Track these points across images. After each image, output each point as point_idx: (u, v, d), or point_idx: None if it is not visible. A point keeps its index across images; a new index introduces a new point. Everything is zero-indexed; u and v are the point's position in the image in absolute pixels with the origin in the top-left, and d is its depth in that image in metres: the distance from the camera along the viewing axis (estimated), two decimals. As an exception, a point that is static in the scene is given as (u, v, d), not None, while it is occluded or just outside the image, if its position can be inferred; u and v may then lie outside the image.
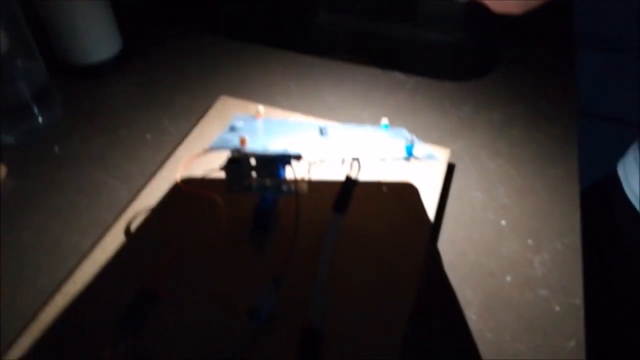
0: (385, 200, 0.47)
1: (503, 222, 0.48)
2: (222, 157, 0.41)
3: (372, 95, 0.62)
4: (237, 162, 0.41)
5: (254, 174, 0.42)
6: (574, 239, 0.47)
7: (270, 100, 0.61)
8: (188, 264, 0.42)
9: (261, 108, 0.45)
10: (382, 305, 0.39)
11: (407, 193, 0.48)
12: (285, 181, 0.42)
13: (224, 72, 0.66)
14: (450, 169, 0.53)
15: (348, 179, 0.44)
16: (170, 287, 0.40)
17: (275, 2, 0.92)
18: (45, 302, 0.39)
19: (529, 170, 0.53)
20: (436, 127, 0.58)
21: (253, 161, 0.42)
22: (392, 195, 0.48)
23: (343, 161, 0.43)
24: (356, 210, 0.45)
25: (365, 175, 0.49)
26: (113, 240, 0.43)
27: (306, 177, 0.43)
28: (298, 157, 0.43)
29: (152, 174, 0.49)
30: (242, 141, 0.41)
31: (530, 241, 0.47)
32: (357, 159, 0.43)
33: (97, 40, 0.63)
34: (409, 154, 0.44)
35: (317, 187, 0.47)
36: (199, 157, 0.50)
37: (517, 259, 0.45)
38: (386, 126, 0.47)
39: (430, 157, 0.45)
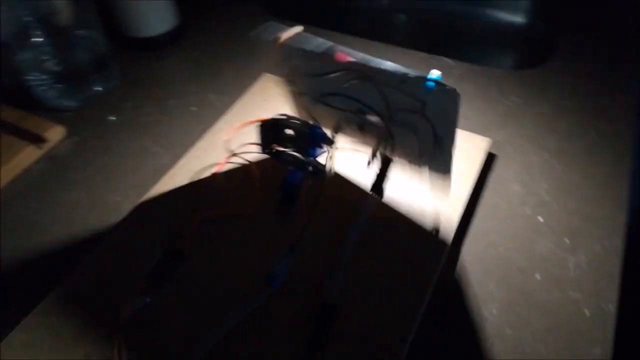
0: (417, 186, 0.47)
1: (540, 219, 0.46)
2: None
3: (419, 80, 0.61)
4: (273, 125, 0.42)
5: (288, 145, 0.43)
6: (616, 242, 0.44)
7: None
8: (217, 229, 0.43)
9: (269, 98, 0.45)
10: (399, 288, 0.39)
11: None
12: (312, 162, 0.43)
13: (266, 49, 0.66)
14: (491, 159, 0.52)
15: (386, 161, 0.43)
16: (198, 249, 0.42)
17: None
18: (87, 252, 0.42)
19: (576, 167, 0.51)
20: (481, 116, 0.56)
21: (289, 131, 0.42)
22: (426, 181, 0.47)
23: (377, 144, 0.43)
24: (390, 191, 0.45)
25: (402, 160, 0.48)
26: (150, 202, 0.46)
27: (335, 159, 0.43)
28: (330, 142, 0.43)
29: (192, 144, 0.51)
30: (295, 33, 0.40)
31: (567, 240, 0.45)
32: (392, 138, 0.42)
33: (156, 15, 0.66)
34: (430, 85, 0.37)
35: (346, 168, 0.47)
36: (242, 129, 0.51)
37: (550, 258, 0.43)
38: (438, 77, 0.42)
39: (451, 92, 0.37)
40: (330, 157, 0.42)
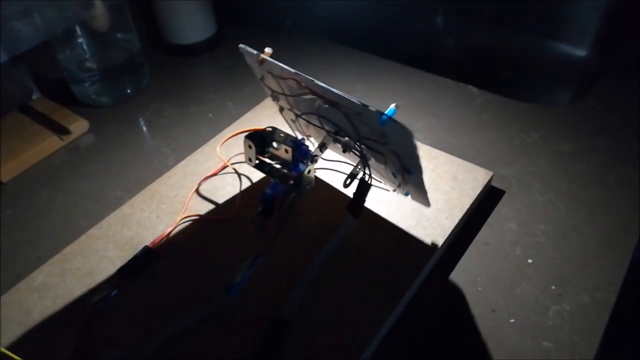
0: (399, 211, 0.46)
1: (529, 261, 0.44)
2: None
3: (437, 106, 0.60)
4: (259, 138, 0.42)
5: (273, 158, 0.43)
6: (607, 297, 0.41)
7: (331, 97, 0.62)
8: (196, 232, 0.45)
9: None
10: (359, 312, 0.38)
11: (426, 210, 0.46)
12: (294, 176, 0.43)
13: (298, 65, 0.68)
14: (495, 193, 0.49)
15: (362, 183, 0.43)
16: (174, 250, 0.43)
17: (383, 6, 0.92)
18: (72, 240, 0.45)
19: (581, 213, 0.47)
20: (493, 148, 0.54)
21: (275, 145, 0.43)
22: (409, 207, 0.46)
23: (357, 165, 0.43)
24: (368, 213, 0.45)
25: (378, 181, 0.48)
26: (142, 200, 0.48)
27: (313, 175, 0.43)
28: (315, 160, 0.43)
29: (195, 149, 0.53)
30: (266, 54, 0.42)
31: (554, 287, 0.42)
32: (367, 162, 0.42)
33: (193, 24, 0.69)
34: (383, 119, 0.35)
35: (326, 187, 0.47)
36: (236, 137, 0.53)
37: (530, 303, 0.41)
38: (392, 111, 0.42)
39: (404, 131, 0.35)
40: (308, 172, 0.43)
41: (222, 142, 0.53)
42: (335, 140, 0.42)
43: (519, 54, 0.92)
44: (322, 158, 0.44)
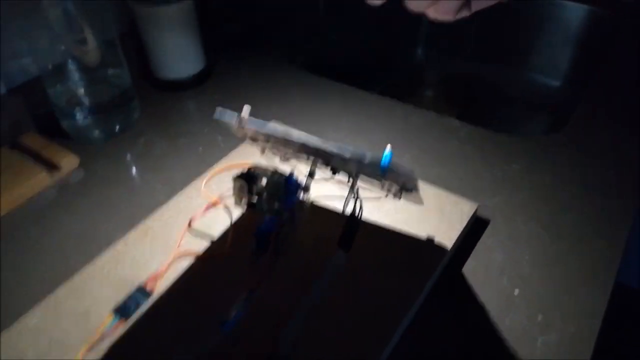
0: (391, 244, 0.47)
1: (516, 291, 0.45)
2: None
3: (421, 139, 0.62)
4: (249, 177, 0.43)
5: (264, 194, 0.44)
6: (592, 324, 0.42)
7: (318, 131, 0.63)
8: (190, 269, 0.45)
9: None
10: (354, 345, 0.39)
11: (418, 244, 0.47)
12: (289, 209, 0.44)
13: (285, 99, 0.69)
14: (480, 224, 0.51)
15: (352, 217, 0.44)
16: (168, 286, 0.44)
17: (365, 39, 0.95)
18: (66, 279, 0.45)
19: (564, 242, 0.49)
20: (477, 180, 0.56)
21: (264, 181, 0.44)
22: (400, 240, 0.47)
23: (348, 196, 0.44)
24: (360, 246, 0.46)
25: (378, 215, 0.49)
26: (135, 237, 0.48)
27: (307, 206, 0.44)
28: (306, 189, 0.44)
29: (189, 183, 0.54)
30: (241, 119, 0.43)
31: (540, 316, 0.43)
32: (359, 197, 0.43)
33: (182, 60, 0.71)
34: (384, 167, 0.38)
35: (320, 218, 0.48)
36: (227, 171, 0.54)
37: (518, 334, 0.42)
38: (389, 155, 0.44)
39: (407, 174, 0.39)
40: (302, 203, 0.44)
41: (205, 180, 0.53)
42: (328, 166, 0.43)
43: (498, 86, 0.95)
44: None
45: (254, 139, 0.46)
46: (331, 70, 0.78)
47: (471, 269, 0.47)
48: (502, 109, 0.92)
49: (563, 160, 0.58)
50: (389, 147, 0.38)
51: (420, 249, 0.47)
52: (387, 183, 0.42)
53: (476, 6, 0.32)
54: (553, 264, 0.47)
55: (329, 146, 0.38)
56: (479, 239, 0.50)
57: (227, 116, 0.43)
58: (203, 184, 0.53)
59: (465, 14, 0.32)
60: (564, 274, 0.46)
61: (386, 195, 0.46)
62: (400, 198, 0.45)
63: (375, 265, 0.45)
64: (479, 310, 0.44)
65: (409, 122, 0.64)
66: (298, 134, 0.40)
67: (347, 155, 0.37)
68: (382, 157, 0.36)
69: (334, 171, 0.44)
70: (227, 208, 0.51)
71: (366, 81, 0.94)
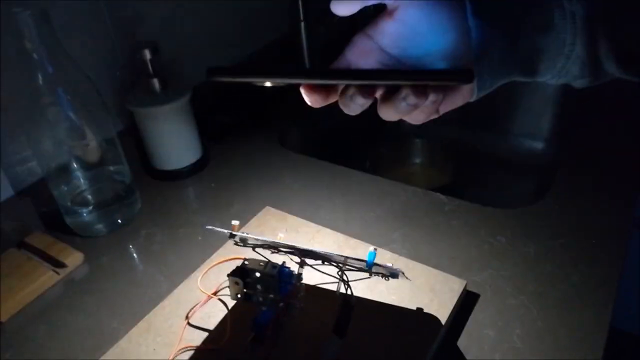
0: (386, 321, 0.49)
1: (509, 367, 0.46)
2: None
3: (410, 215, 0.64)
4: (243, 273, 0.46)
5: (258, 287, 0.47)
6: (586, 399, 0.43)
7: (312, 212, 0.66)
8: (191, 364, 0.47)
9: (281, 234, 0.50)
10: None
11: (413, 317, 0.49)
12: (284, 298, 0.46)
13: (278, 182, 0.73)
14: (471, 298, 0.53)
15: (346, 302, 0.46)
16: (170, 384, 0.45)
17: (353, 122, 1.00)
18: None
19: (553, 313, 0.51)
20: (464, 255, 0.58)
21: (258, 274, 0.47)
22: (395, 315, 0.49)
23: (339, 285, 0.46)
24: (356, 325, 0.47)
25: (370, 296, 0.51)
26: (138, 333, 0.50)
27: (302, 295, 0.47)
28: (299, 278, 0.47)
29: (189, 274, 0.56)
30: (234, 228, 0.46)
31: (534, 393, 0.44)
32: (348, 284, 0.45)
33: (180, 152, 0.75)
34: (370, 262, 0.43)
35: (314, 303, 0.50)
36: (224, 264, 0.56)
37: (514, 411, 0.43)
38: (373, 254, 0.48)
39: (392, 272, 0.44)
40: (297, 295, 0.46)
41: (201, 275, 0.56)
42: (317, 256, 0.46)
43: (482, 151, 0.99)
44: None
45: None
46: (320, 148, 0.83)
47: (464, 347, 0.48)
48: (487, 175, 0.96)
49: (545, 231, 0.60)
50: (372, 248, 0.42)
51: (415, 322, 0.48)
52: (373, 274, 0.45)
53: (444, 109, 0.35)
54: (542, 337, 0.49)
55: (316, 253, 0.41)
56: (470, 312, 0.51)
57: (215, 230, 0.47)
58: (199, 280, 0.55)
59: (434, 116, 0.35)
60: (555, 347, 0.48)
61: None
62: (388, 280, 0.47)
63: (373, 343, 0.47)
64: (474, 389, 0.45)
65: (397, 199, 0.67)
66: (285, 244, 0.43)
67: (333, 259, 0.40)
68: (367, 256, 0.39)
69: (324, 261, 0.46)
70: (223, 301, 0.52)
71: (355, 155, 0.99)
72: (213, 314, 0.51)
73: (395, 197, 0.68)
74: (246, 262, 0.47)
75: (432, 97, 0.31)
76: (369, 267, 0.40)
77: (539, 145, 0.98)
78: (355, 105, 0.32)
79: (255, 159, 0.79)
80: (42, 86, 0.57)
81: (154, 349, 0.48)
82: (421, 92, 0.30)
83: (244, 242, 0.49)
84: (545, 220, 0.62)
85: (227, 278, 0.47)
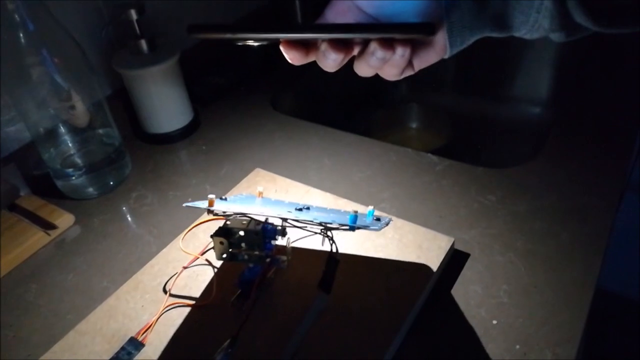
0: (370, 279, 0.49)
1: (494, 322, 0.47)
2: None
3: (400, 176, 0.64)
4: (226, 233, 0.46)
5: (243, 245, 0.47)
6: (569, 351, 0.44)
7: (301, 173, 0.66)
8: (177, 321, 0.47)
9: (260, 188, 0.50)
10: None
11: (403, 267, 0.49)
12: (269, 254, 0.46)
13: (269, 144, 0.72)
14: (463, 257, 0.53)
15: (331, 257, 0.46)
16: (157, 339, 0.46)
17: (348, 82, 0.99)
18: (61, 336, 0.47)
19: (541, 270, 0.51)
20: (454, 214, 0.58)
21: (242, 233, 0.47)
22: (379, 273, 0.49)
23: (323, 240, 0.46)
24: (340, 283, 0.47)
25: (357, 253, 0.51)
26: (126, 291, 0.51)
27: (289, 250, 0.47)
28: (283, 233, 0.47)
29: (176, 235, 0.56)
30: (210, 202, 0.46)
31: (518, 346, 0.44)
32: (333, 240, 0.45)
33: (170, 115, 0.74)
34: (352, 223, 0.45)
35: (300, 260, 0.50)
36: (209, 224, 0.56)
37: (497, 364, 0.43)
38: (371, 213, 0.48)
39: (376, 223, 0.45)
40: (284, 252, 0.46)
41: (182, 237, 0.56)
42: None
43: (478, 116, 0.98)
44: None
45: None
46: (314, 113, 0.82)
47: (451, 302, 0.49)
48: (482, 138, 0.95)
49: (536, 189, 0.60)
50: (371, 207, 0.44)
51: (405, 272, 0.49)
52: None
53: (418, 65, 0.35)
54: (529, 294, 0.49)
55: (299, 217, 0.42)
56: (459, 272, 0.51)
57: (196, 204, 0.47)
58: (180, 242, 0.55)
59: (410, 72, 0.35)
60: (540, 303, 0.48)
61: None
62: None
63: (361, 294, 0.47)
64: (459, 342, 0.45)
65: (387, 160, 0.67)
66: (261, 210, 0.45)
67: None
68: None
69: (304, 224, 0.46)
70: (209, 261, 0.53)
71: (349, 119, 0.98)
72: (201, 272, 0.52)
73: (386, 158, 0.68)
74: (228, 222, 0.46)
75: (399, 50, 0.32)
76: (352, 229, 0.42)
77: (535, 109, 0.96)
78: (328, 61, 0.33)
79: (246, 122, 0.78)
80: (25, 46, 0.57)
81: (142, 306, 0.49)
82: (388, 45, 0.32)
83: (221, 214, 0.48)
84: (537, 180, 0.61)
85: (211, 239, 0.47)
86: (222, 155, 0.72)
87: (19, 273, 0.57)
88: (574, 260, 0.51)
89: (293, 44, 0.34)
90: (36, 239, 0.59)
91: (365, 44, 0.33)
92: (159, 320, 0.47)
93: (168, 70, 0.71)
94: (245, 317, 0.45)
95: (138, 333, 0.46)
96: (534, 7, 0.33)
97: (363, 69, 0.34)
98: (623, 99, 0.74)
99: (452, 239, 0.52)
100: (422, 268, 0.49)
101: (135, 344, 0.45)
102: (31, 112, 0.61)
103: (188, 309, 0.48)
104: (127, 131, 0.77)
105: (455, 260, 0.53)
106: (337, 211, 0.49)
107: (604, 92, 0.76)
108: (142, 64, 0.69)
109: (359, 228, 0.44)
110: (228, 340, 0.43)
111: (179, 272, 0.51)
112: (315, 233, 0.46)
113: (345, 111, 0.98)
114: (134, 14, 0.68)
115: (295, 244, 0.52)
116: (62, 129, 0.65)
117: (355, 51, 0.34)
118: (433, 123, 1.01)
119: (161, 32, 0.74)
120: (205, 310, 0.48)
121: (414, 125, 1.03)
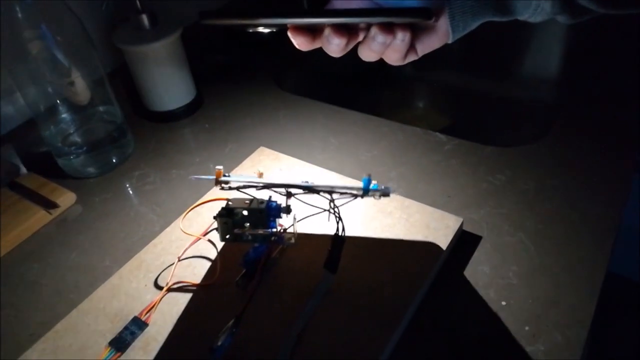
0: (378, 259, 0.48)
1: (503, 303, 0.46)
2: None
3: (407, 155, 0.63)
4: (229, 212, 0.45)
5: (246, 224, 0.46)
6: (579, 332, 0.43)
7: (306, 152, 0.64)
8: (181, 300, 0.46)
9: (261, 169, 0.49)
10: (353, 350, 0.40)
11: (405, 252, 0.48)
12: (274, 233, 0.45)
13: (273, 123, 0.71)
14: (468, 238, 0.52)
15: (337, 236, 0.45)
16: (160, 319, 0.45)
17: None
18: (64, 315, 0.47)
19: (550, 250, 0.50)
20: (462, 194, 0.57)
21: (245, 212, 0.45)
22: (387, 253, 0.48)
23: (329, 217, 0.45)
24: (347, 263, 0.46)
25: (365, 233, 0.50)
26: (129, 270, 0.50)
27: (294, 229, 0.46)
28: (288, 210, 0.46)
29: (180, 214, 0.56)
30: (218, 174, 0.45)
31: (527, 328, 0.44)
32: (339, 217, 0.44)
33: (173, 93, 0.73)
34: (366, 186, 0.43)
35: (306, 240, 0.49)
36: (212, 203, 0.55)
37: (505, 346, 0.43)
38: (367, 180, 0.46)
39: (383, 190, 0.43)
40: (290, 234, 0.45)
41: (183, 216, 0.54)
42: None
43: (485, 96, 0.96)
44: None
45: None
46: (320, 91, 0.80)
47: (460, 284, 0.48)
48: (490, 117, 0.93)
49: (546, 169, 0.59)
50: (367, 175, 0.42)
51: (414, 252, 0.48)
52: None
53: (422, 50, 0.35)
54: (539, 275, 0.48)
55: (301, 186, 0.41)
56: (470, 255, 0.50)
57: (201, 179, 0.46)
58: (181, 223, 0.53)
59: (413, 57, 0.35)
60: (551, 284, 0.47)
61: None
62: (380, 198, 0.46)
63: (369, 273, 0.46)
64: (468, 324, 0.44)
65: (394, 139, 0.65)
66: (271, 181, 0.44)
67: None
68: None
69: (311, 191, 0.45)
70: (212, 241, 0.52)
71: (354, 98, 0.96)
72: (206, 252, 0.51)
73: (393, 137, 0.66)
74: (230, 202, 0.45)
75: (399, 35, 0.33)
76: (365, 193, 0.41)
77: (545, 87, 0.94)
78: (332, 46, 0.35)
79: (250, 100, 0.77)
80: (22, 19, 0.55)
81: (145, 285, 0.48)
82: (388, 30, 0.33)
83: (228, 184, 0.47)
84: (547, 159, 0.60)
85: (214, 220, 0.46)
86: (225, 133, 0.70)
87: (20, 252, 0.56)
88: (584, 241, 0.50)
89: (300, 30, 0.35)
90: (37, 218, 0.58)
91: (368, 29, 0.34)
92: (162, 299, 0.46)
93: (170, 47, 0.69)
94: (250, 297, 0.44)
95: (141, 313, 0.45)
96: None
97: (366, 54, 0.35)
98: (634, 77, 0.72)
99: (461, 219, 0.51)
100: (430, 247, 0.48)
101: (138, 324, 0.45)
102: (30, 88, 0.60)
103: (192, 289, 0.47)
104: (129, 109, 0.76)
105: (464, 241, 0.52)
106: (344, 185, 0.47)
107: (615, 70, 0.74)
108: (144, 40, 0.67)
109: (368, 193, 0.43)
110: (232, 320, 0.42)
111: (174, 263, 0.50)
112: (324, 210, 0.45)
113: (352, 89, 0.96)
114: (134, -12, 0.66)
115: (301, 223, 0.51)
116: (63, 107, 0.64)
117: (360, 37, 0.35)
118: (441, 102, 0.99)
119: (163, 8, 0.72)
120: (209, 290, 0.47)
121: (421, 104, 1.01)
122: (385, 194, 0.41)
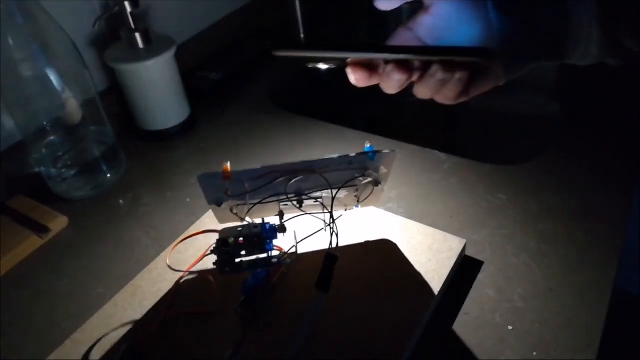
0: (378, 284, 0.47)
1: (510, 328, 0.45)
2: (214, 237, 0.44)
3: (406, 174, 0.62)
4: (225, 243, 0.43)
5: (243, 252, 0.44)
6: (589, 357, 0.42)
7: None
8: (179, 327, 0.45)
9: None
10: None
11: (408, 279, 0.47)
12: (274, 256, 0.44)
13: (269, 142, 0.70)
14: (470, 261, 0.51)
15: (329, 254, 0.44)
16: (157, 347, 0.43)
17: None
18: (57, 345, 0.45)
19: (556, 272, 0.49)
20: (463, 214, 0.56)
21: (241, 239, 0.44)
22: (388, 281, 0.47)
23: (325, 228, 0.44)
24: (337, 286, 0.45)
25: (366, 256, 0.49)
26: (124, 298, 0.48)
27: (293, 248, 0.45)
28: (283, 230, 0.44)
29: (175, 237, 0.54)
30: (225, 169, 0.43)
31: (535, 353, 0.43)
32: (333, 230, 0.43)
33: (166, 112, 0.71)
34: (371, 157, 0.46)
35: (304, 261, 0.48)
36: (198, 235, 0.54)
37: (514, 372, 0.42)
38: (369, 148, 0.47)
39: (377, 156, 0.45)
40: (289, 257, 0.44)
41: (170, 250, 0.52)
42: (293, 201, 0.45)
43: (484, 108, 0.96)
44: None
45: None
46: (315, 110, 0.79)
47: (465, 308, 0.47)
48: (488, 132, 0.93)
49: (548, 187, 0.58)
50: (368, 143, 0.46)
51: (408, 289, 0.47)
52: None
53: (474, 92, 0.35)
54: (545, 297, 0.47)
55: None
56: (474, 279, 0.49)
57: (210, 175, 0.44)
58: (167, 260, 0.51)
59: (464, 98, 0.36)
60: (557, 307, 0.46)
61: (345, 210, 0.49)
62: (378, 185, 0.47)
63: (362, 311, 0.45)
64: (474, 350, 0.43)
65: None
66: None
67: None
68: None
69: (301, 204, 0.45)
70: (209, 272, 0.50)
71: (350, 115, 0.95)
72: (201, 279, 0.49)
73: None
74: (222, 235, 0.44)
75: (458, 74, 0.34)
76: (372, 158, 0.45)
77: (544, 104, 0.94)
78: (392, 82, 0.35)
79: (245, 118, 0.76)
80: (14, 40, 0.54)
81: (141, 313, 0.46)
82: (449, 68, 0.33)
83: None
84: (547, 177, 0.59)
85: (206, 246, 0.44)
86: (221, 153, 0.69)
87: (10, 279, 0.54)
88: (589, 260, 0.50)
89: (360, 66, 0.36)
90: (28, 243, 0.56)
91: (425, 68, 0.35)
92: (159, 328, 0.45)
93: (164, 65, 0.68)
94: (248, 326, 0.42)
95: (137, 343, 0.44)
96: (583, 35, 0.34)
97: (421, 91, 0.35)
98: (636, 92, 0.72)
99: (464, 241, 0.50)
100: (425, 287, 0.47)
101: (134, 354, 0.43)
102: (21, 109, 0.59)
103: (190, 317, 0.46)
104: (122, 129, 0.75)
105: (467, 263, 0.51)
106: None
107: (616, 85, 0.74)
108: (137, 58, 0.66)
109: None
110: (231, 350, 0.41)
111: (171, 290, 0.48)
112: (322, 228, 0.44)
113: (348, 107, 0.96)
114: (128, 7, 0.65)
115: (300, 244, 0.50)
116: (53, 128, 0.62)
117: (415, 77, 0.35)
118: (436, 117, 0.99)
119: (156, 26, 0.71)
120: (207, 319, 0.46)
121: (418, 120, 1.01)
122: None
